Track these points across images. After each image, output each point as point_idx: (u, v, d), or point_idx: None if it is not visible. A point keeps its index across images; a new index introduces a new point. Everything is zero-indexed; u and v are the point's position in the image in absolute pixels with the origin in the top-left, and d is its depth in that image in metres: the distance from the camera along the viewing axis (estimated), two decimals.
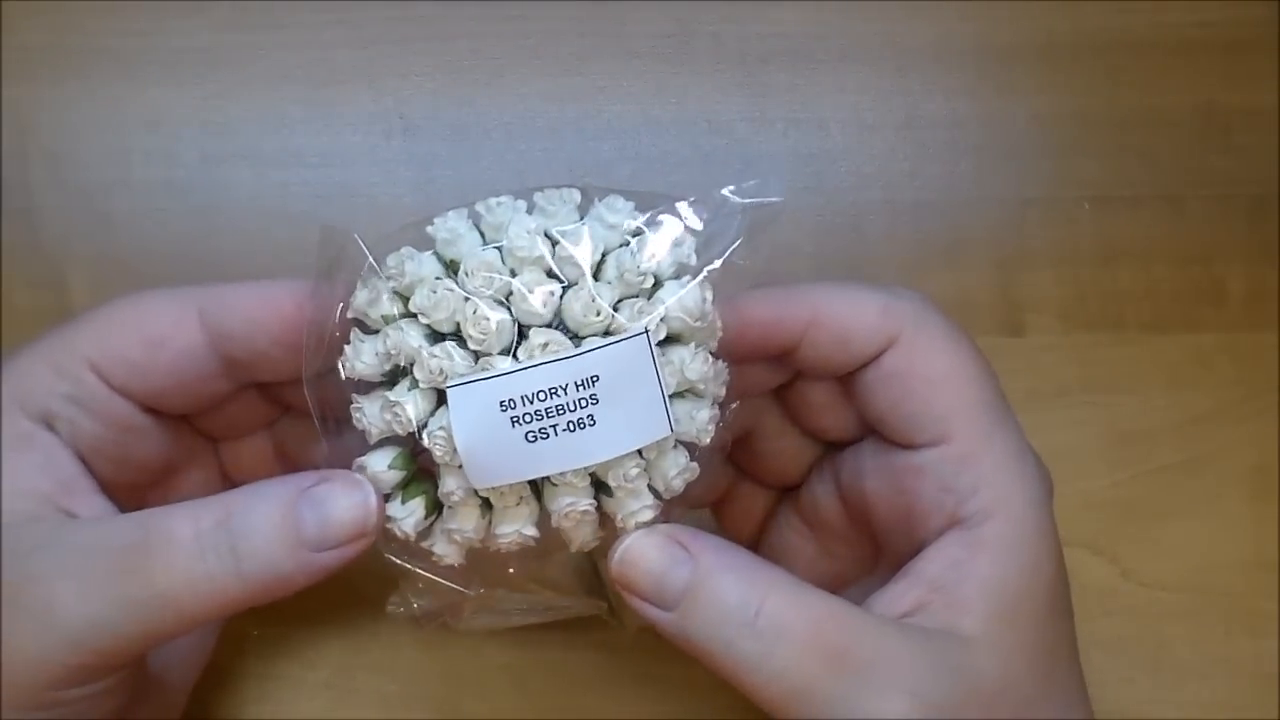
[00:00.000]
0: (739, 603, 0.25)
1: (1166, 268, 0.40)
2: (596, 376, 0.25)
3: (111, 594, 0.25)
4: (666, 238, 0.27)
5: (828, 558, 0.32)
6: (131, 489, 0.29)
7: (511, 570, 0.29)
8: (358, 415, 0.27)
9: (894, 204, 0.40)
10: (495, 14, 0.40)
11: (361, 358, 0.26)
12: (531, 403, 0.25)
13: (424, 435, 0.26)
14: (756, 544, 0.34)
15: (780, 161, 0.40)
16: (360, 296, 0.27)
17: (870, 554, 0.31)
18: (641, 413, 0.26)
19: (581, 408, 0.25)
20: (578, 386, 0.25)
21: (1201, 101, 0.41)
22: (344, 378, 0.27)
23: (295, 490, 0.26)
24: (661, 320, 0.26)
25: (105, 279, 0.39)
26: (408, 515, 0.27)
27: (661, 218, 0.27)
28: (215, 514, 0.26)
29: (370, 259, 0.27)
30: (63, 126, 0.39)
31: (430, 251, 0.27)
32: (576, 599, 0.32)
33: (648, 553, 0.27)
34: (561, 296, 0.26)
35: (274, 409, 0.32)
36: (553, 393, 0.25)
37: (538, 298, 0.25)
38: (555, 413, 0.25)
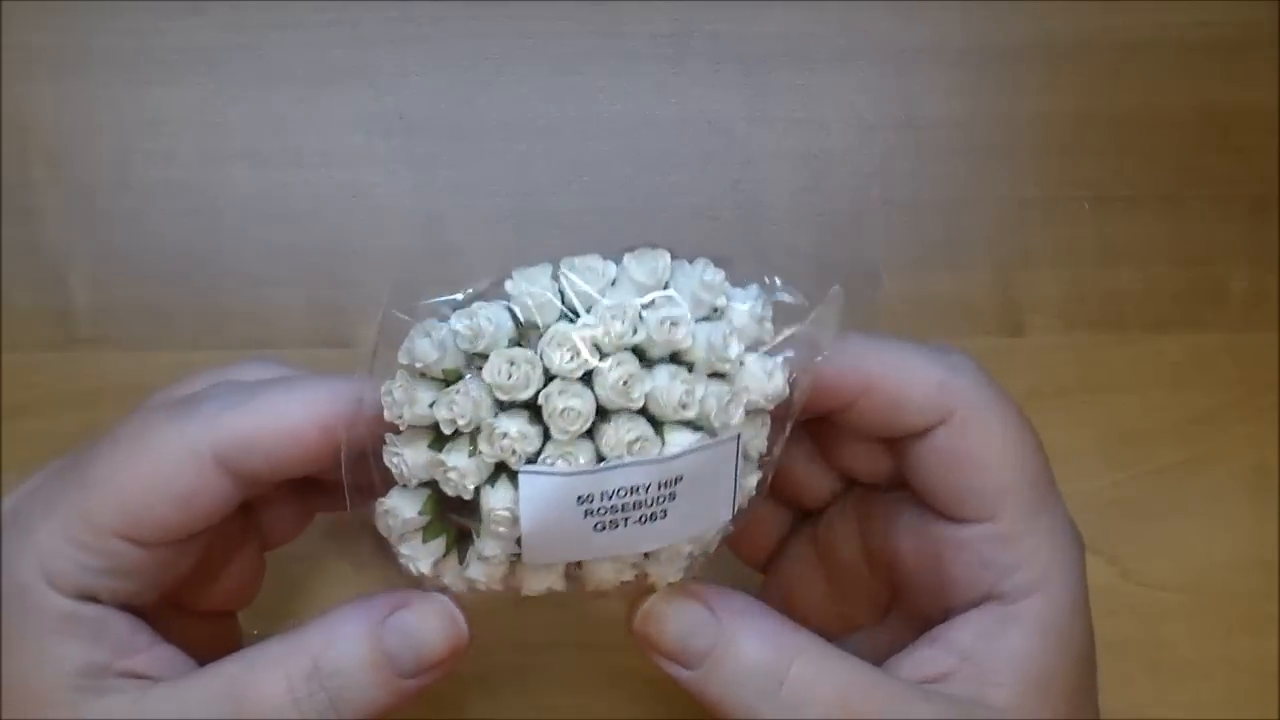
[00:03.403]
0: (763, 670, 0.25)
1: (1166, 268, 0.40)
2: (680, 477, 0.24)
3: None
4: (751, 311, 0.25)
5: (839, 597, 0.31)
6: (177, 588, 0.28)
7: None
8: (395, 461, 0.25)
9: (894, 204, 0.40)
10: (495, 14, 0.40)
11: (415, 406, 0.24)
12: (610, 498, 0.24)
13: (482, 507, 0.24)
14: (768, 568, 0.33)
15: (780, 161, 0.40)
16: (421, 346, 0.24)
17: (884, 601, 0.31)
18: (710, 503, 0.25)
19: (659, 504, 0.24)
20: (660, 486, 0.24)
21: (1201, 101, 0.41)
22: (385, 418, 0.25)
23: (376, 621, 0.26)
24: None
25: (105, 279, 0.39)
26: (426, 556, 0.26)
27: (748, 288, 0.26)
28: (301, 664, 0.25)
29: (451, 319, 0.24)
30: (63, 126, 0.39)
31: (502, 303, 0.24)
32: None
33: (672, 614, 0.26)
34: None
35: (309, 515, 0.31)
36: (634, 490, 0.24)
37: (632, 390, 0.23)
38: (632, 508, 0.24)
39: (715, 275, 0.25)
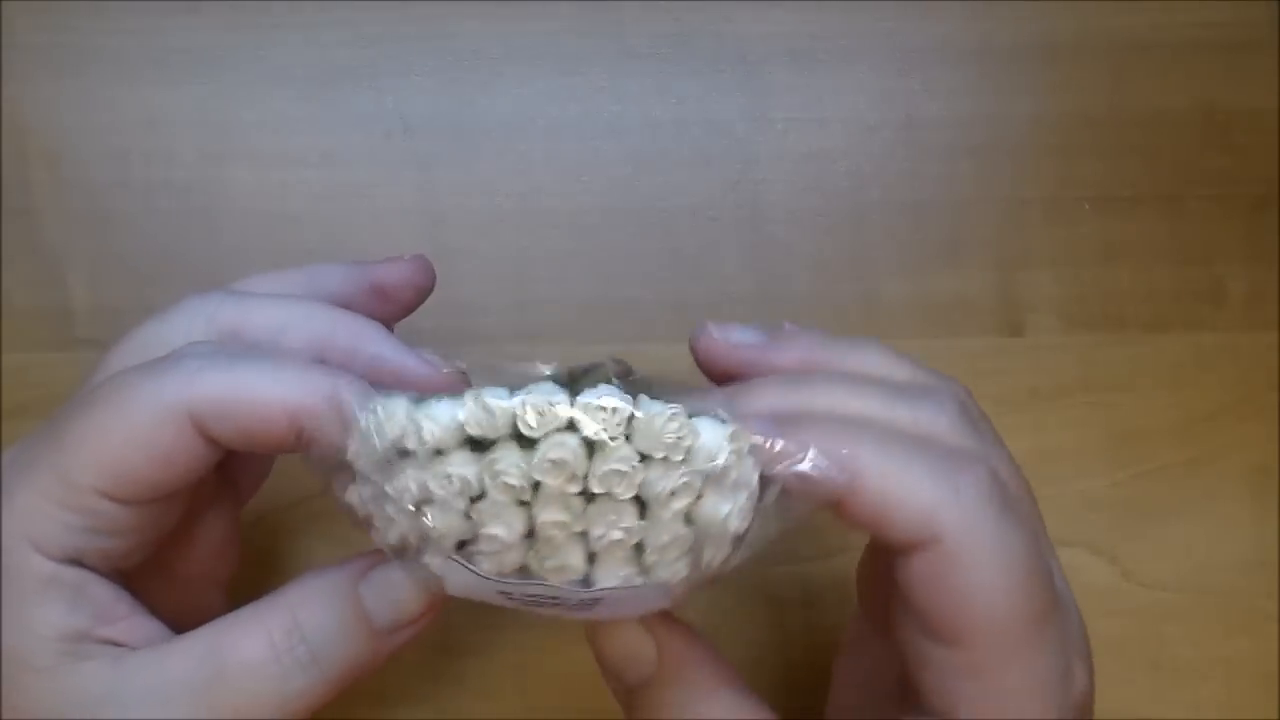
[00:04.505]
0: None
1: (1166, 268, 0.40)
2: (600, 599, 0.24)
3: None
4: (715, 449, 0.23)
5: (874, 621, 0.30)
6: (161, 550, 0.28)
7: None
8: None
9: (894, 204, 0.40)
10: (495, 14, 0.40)
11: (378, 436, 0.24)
12: (529, 595, 0.24)
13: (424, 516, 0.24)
14: None
15: (780, 161, 0.40)
16: (392, 425, 0.23)
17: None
18: (638, 605, 0.25)
19: (579, 608, 0.24)
20: (579, 600, 0.24)
21: (1201, 101, 0.41)
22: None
23: (355, 576, 0.26)
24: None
25: (105, 279, 0.39)
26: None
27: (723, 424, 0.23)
28: (282, 623, 0.26)
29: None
30: (62, 126, 0.39)
31: (451, 401, 0.23)
32: None
33: (617, 635, 0.27)
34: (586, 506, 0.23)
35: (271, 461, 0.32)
36: (553, 597, 0.24)
37: (556, 543, 0.23)
38: (551, 604, 0.24)
39: (675, 432, 0.23)
